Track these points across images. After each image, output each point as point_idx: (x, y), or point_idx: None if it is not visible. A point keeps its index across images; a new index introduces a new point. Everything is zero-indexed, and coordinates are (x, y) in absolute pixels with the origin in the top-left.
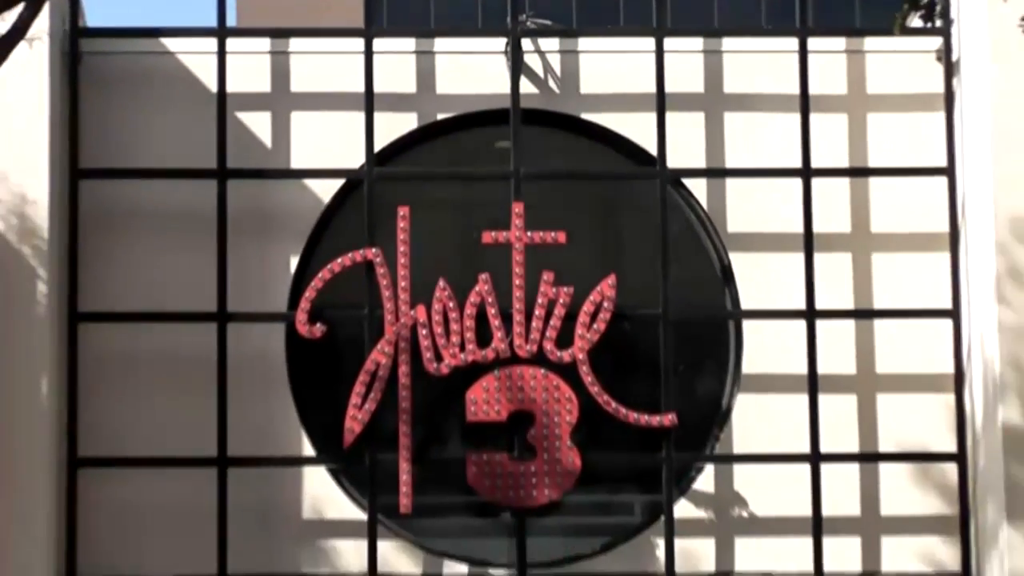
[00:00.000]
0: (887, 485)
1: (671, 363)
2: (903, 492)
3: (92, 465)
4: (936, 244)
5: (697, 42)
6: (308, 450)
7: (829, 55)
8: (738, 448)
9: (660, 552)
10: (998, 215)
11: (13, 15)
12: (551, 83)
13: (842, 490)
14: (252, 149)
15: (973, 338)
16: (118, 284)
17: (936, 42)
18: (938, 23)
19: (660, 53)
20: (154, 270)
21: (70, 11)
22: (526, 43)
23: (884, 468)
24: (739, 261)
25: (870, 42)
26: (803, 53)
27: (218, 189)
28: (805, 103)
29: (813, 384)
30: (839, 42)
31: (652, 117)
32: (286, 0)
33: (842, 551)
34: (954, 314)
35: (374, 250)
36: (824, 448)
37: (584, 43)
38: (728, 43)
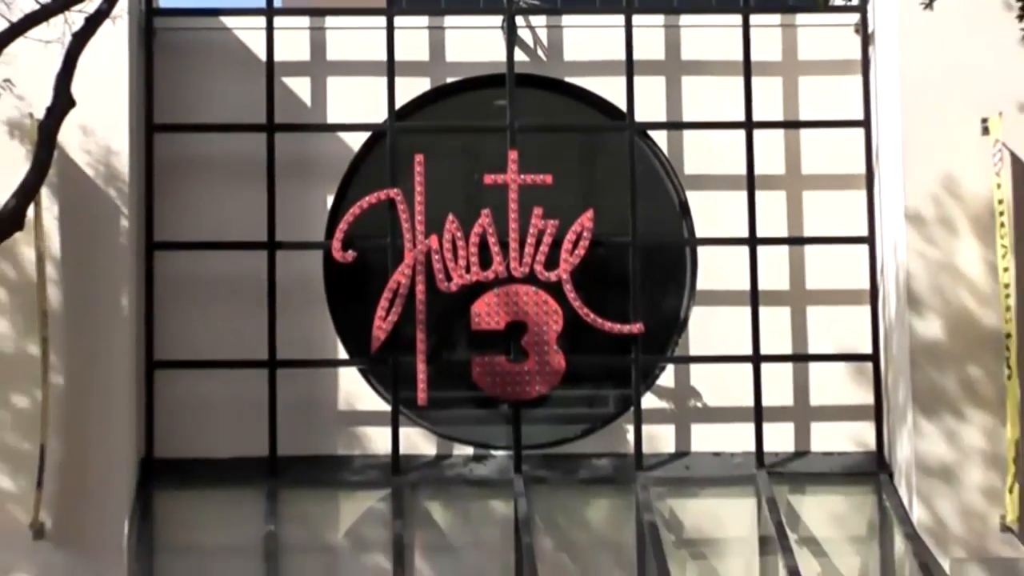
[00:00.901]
0: (815, 380)
1: (638, 282)
2: (829, 386)
3: (166, 367)
4: (854, 183)
5: (659, 18)
6: (342, 353)
7: (767, 28)
8: (693, 351)
9: (630, 436)
10: (905, 159)
11: (94, 1)
12: (540, 52)
13: (779, 385)
14: (294, 107)
15: (886, 260)
16: (186, 218)
17: (854, 17)
18: (855, 1)
19: (629, 27)
20: (215, 207)
21: None
22: (519, 20)
23: (813, 367)
24: (694, 198)
25: (800, 18)
26: (746, 27)
27: (267, 140)
28: (747, 68)
29: (755, 298)
30: (775, 18)
31: (622, 80)
32: None
33: (779, 435)
34: (870, 240)
35: (395, 190)
36: (764, 351)
37: (567, 19)
38: (684, 19)
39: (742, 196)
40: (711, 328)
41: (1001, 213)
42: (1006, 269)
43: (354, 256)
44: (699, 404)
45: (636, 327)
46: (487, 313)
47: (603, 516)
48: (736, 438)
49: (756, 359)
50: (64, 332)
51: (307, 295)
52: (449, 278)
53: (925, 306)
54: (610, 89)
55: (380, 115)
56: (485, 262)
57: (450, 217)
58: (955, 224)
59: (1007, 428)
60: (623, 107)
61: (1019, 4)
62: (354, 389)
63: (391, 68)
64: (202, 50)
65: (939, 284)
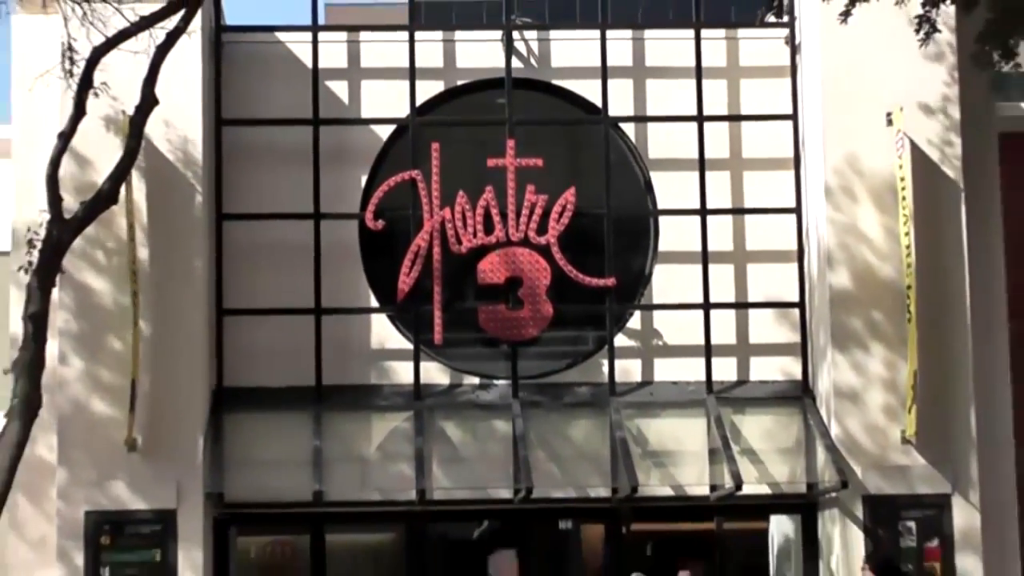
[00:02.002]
0: (753, 324)
1: (611, 244)
2: (764, 328)
3: (232, 314)
4: (784, 165)
5: (628, 32)
6: (373, 303)
7: (714, 40)
8: (656, 300)
9: (604, 369)
10: (825, 146)
11: (177, 17)
12: (532, 61)
13: (724, 327)
14: (334, 105)
15: (809, 227)
16: (248, 195)
17: (784, 31)
18: (785, 18)
19: (603, 40)
20: (271, 185)
21: (215, 14)
22: (515, 34)
23: (752, 312)
24: (656, 177)
25: (741, 31)
26: (697, 39)
27: (313, 132)
28: (699, 72)
29: (705, 258)
30: (721, 32)
31: (598, 82)
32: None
33: (724, 368)
34: (796, 211)
35: (416, 172)
36: (712, 299)
37: (553, 33)
38: (648, 33)
39: (694, 176)
40: (670, 281)
41: (903, 189)
42: (907, 234)
43: (383, 225)
44: (660, 343)
45: (609, 281)
46: (490, 270)
47: (583, 433)
48: (690, 370)
49: (706, 306)
50: (150, 287)
51: (345, 256)
52: (460, 242)
53: (839, 264)
54: (589, 90)
55: (403, 111)
56: (488, 229)
57: (460, 193)
58: (863, 198)
59: (908, 361)
60: (599, 104)
61: (916, 20)
62: (383, 331)
63: (412, 73)
64: (260, 59)
65: (850, 246)
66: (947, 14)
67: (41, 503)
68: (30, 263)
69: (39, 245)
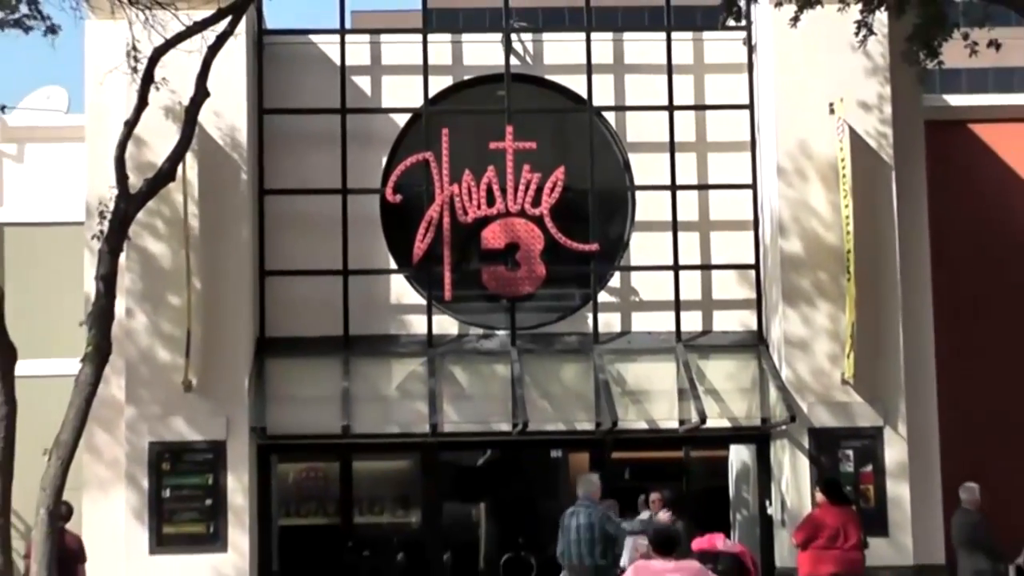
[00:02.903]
0: (716, 282)
1: (595, 215)
2: (725, 286)
3: (273, 275)
4: (742, 148)
5: (609, 34)
6: (393, 265)
7: (683, 41)
8: (633, 263)
9: (589, 321)
10: (777, 131)
11: (225, 23)
12: (527, 59)
13: (691, 285)
14: (359, 96)
15: (763, 200)
16: (286, 173)
17: (742, 34)
18: (743, 23)
19: (588, 41)
20: (305, 164)
21: (257, 19)
22: (514, 36)
23: (715, 273)
24: (633, 158)
25: (706, 34)
26: (668, 40)
27: (341, 119)
28: (669, 68)
29: (675, 226)
30: (689, 34)
31: (584, 77)
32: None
33: (690, 320)
34: (753, 187)
35: (429, 153)
36: (681, 262)
37: (546, 35)
38: (627, 35)
39: (665, 157)
40: (645, 247)
41: (843, 168)
42: (847, 206)
43: (400, 198)
44: (636, 299)
45: (593, 246)
46: (492, 237)
47: (571, 375)
48: (662, 321)
49: (675, 267)
50: (202, 251)
51: (368, 225)
52: (466, 213)
53: (789, 231)
54: (576, 83)
55: (417, 102)
56: (490, 202)
57: (466, 171)
58: (809, 176)
59: (847, 314)
60: (585, 95)
61: (855, 24)
62: (401, 289)
63: (425, 69)
64: (295, 58)
65: (798, 216)
66: (881, 20)
67: (113, 432)
68: (101, 231)
69: (108, 216)
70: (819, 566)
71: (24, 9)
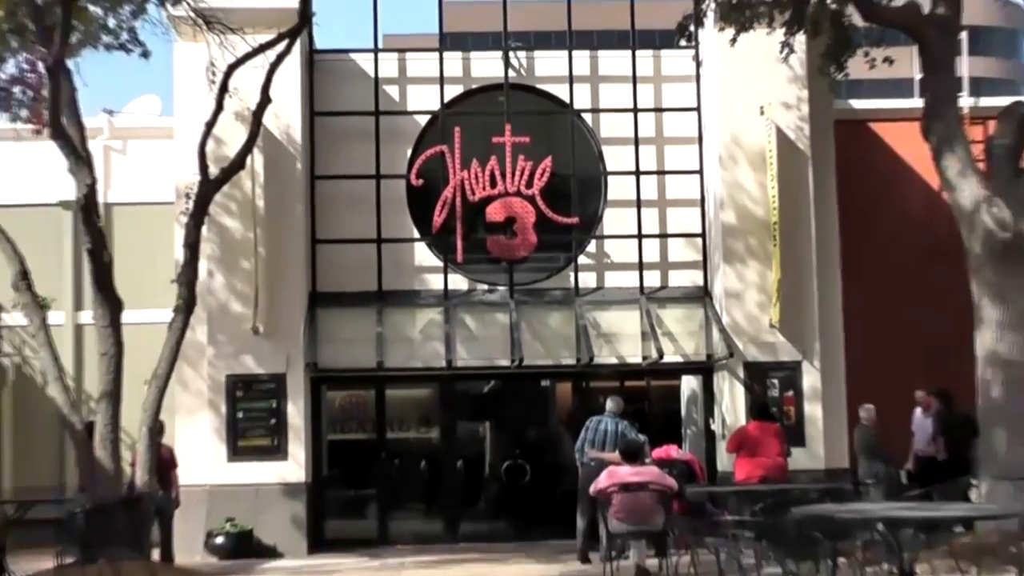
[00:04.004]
0: (671, 248)
1: (576, 194)
2: (679, 250)
3: (323, 243)
4: (692, 142)
5: (586, 53)
6: (416, 235)
7: (646, 58)
8: (607, 232)
9: (571, 279)
10: (719, 128)
11: (283, 44)
12: (522, 71)
13: (652, 249)
14: (389, 101)
15: (708, 183)
16: (332, 162)
17: (692, 52)
18: (692, 43)
19: (570, 58)
20: (347, 156)
21: (308, 41)
22: (512, 54)
23: (670, 240)
24: (606, 150)
25: (664, 52)
26: (633, 57)
27: (375, 120)
28: (634, 79)
29: (638, 203)
30: (650, 52)
31: (567, 86)
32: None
33: (651, 276)
34: (700, 172)
35: (444, 146)
36: (644, 232)
37: (536, 54)
38: (601, 53)
39: (631, 148)
40: (616, 220)
41: (771, 157)
42: (773, 187)
43: (422, 182)
44: (608, 261)
45: (574, 219)
46: (494, 212)
47: (557, 322)
48: (628, 279)
49: (639, 236)
50: (266, 224)
51: (397, 203)
52: (474, 193)
53: (728, 207)
54: (560, 90)
55: (435, 106)
56: (493, 184)
57: (474, 160)
58: (743, 163)
59: (773, 272)
60: (567, 100)
61: (780, 44)
62: (423, 254)
63: (441, 80)
64: (339, 71)
65: (735, 195)
66: (800, 41)
67: (197, 368)
68: (187, 209)
69: (193, 198)
70: (750, 470)
71: (125, 36)
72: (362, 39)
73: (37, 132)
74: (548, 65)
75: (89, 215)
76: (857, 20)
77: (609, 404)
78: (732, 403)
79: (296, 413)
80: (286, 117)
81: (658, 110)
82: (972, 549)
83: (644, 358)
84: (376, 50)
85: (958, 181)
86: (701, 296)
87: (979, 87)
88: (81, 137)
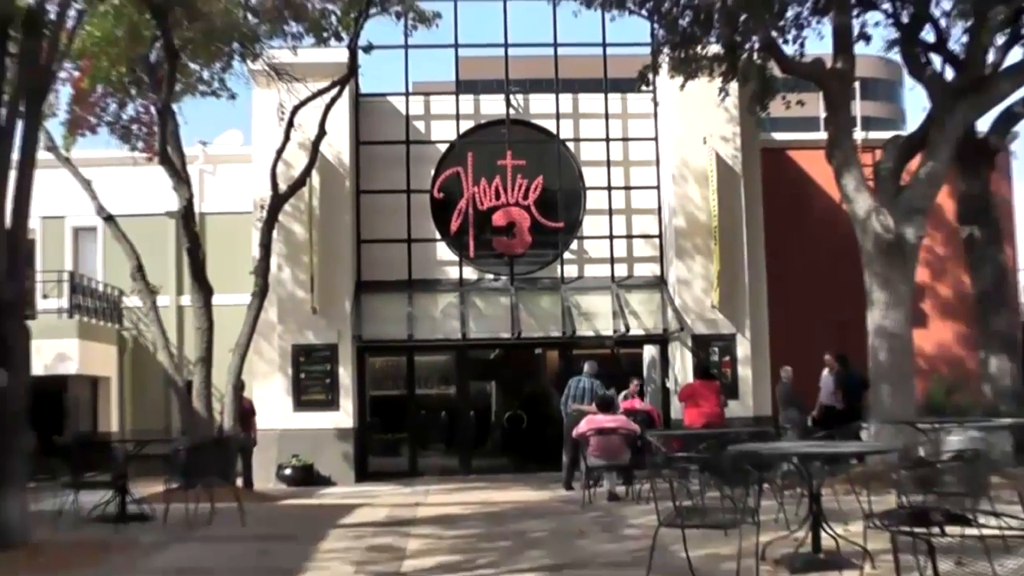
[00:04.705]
0: (635, 247)
1: (561, 205)
2: (642, 249)
3: (366, 242)
4: (651, 164)
5: (570, 96)
6: (437, 236)
7: (615, 98)
8: (586, 234)
9: (558, 270)
10: (673, 153)
11: (336, 90)
12: (520, 109)
13: (620, 248)
14: (416, 133)
15: (663, 196)
16: (373, 180)
17: (651, 93)
18: (652, 88)
19: (557, 99)
20: (384, 176)
21: (356, 87)
22: (512, 97)
23: (635, 241)
24: (585, 170)
25: (629, 95)
26: (606, 98)
27: (406, 148)
28: (607, 116)
29: (611, 211)
30: (619, 95)
31: (555, 120)
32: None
33: (620, 268)
34: (658, 187)
35: (460, 168)
36: (615, 233)
37: (531, 96)
38: (581, 96)
39: (604, 169)
40: (592, 224)
41: (712, 176)
42: (714, 200)
43: (443, 195)
44: (587, 256)
45: (560, 224)
46: (498, 218)
47: (547, 304)
48: (602, 270)
49: (611, 237)
50: (322, 228)
51: (423, 212)
52: (482, 204)
53: (679, 215)
54: (550, 124)
55: (452, 136)
56: (497, 197)
57: (483, 178)
58: (691, 181)
59: (714, 265)
60: (555, 132)
61: (719, 89)
62: (443, 251)
63: (457, 116)
64: (379, 109)
65: (685, 206)
66: (734, 87)
67: (270, 340)
68: (262, 217)
69: (266, 208)
70: (696, 417)
71: (216, 85)
72: (396, 84)
73: (149, 159)
74: (540, 104)
75: (188, 222)
76: (777, 72)
77: (585, 367)
78: (683, 366)
79: (345, 374)
80: (337, 146)
81: (625, 139)
82: (863, 476)
83: (614, 331)
84: (407, 93)
85: (854, 195)
86: (658, 283)
87: (868, 124)
88: (182, 162)
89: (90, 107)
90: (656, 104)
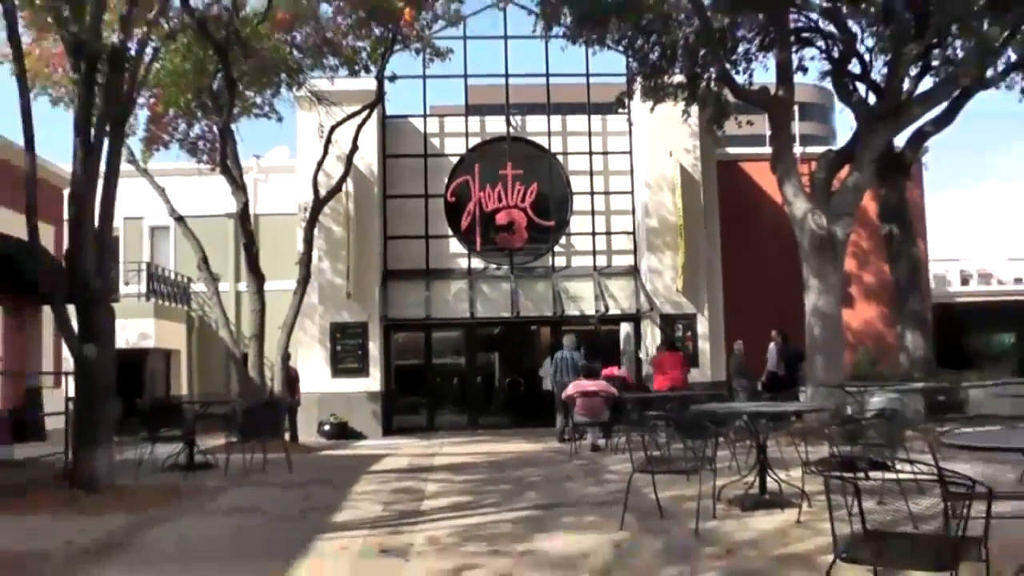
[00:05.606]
0: (614, 242)
1: (552, 207)
2: (620, 243)
3: (392, 239)
4: (627, 173)
5: (559, 117)
6: (450, 232)
7: (598, 119)
8: (573, 231)
9: (550, 260)
10: (646, 165)
11: (365, 113)
12: (518, 128)
13: (601, 242)
14: (433, 148)
15: (637, 199)
16: (397, 187)
17: (626, 114)
18: (627, 110)
19: (548, 119)
20: (406, 182)
21: (383, 109)
22: (512, 118)
23: (613, 236)
24: (572, 179)
25: (609, 116)
26: (589, 119)
27: (424, 160)
28: (590, 134)
29: (593, 212)
30: (599, 116)
31: (547, 137)
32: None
33: (601, 259)
34: (632, 193)
35: (468, 177)
36: (597, 230)
37: (528, 117)
38: (568, 117)
39: (587, 178)
40: (578, 223)
41: (677, 184)
42: (679, 203)
43: (455, 199)
44: (573, 249)
45: (551, 223)
46: (500, 218)
47: (540, 288)
48: (587, 260)
49: (593, 233)
50: (359, 228)
51: (438, 213)
52: (487, 206)
53: (651, 216)
54: (543, 141)
55: (462, 150)
56: (500, 200)
57: (487, 185)
58: (662, 187)
59: (680, 257)
60: (547, 147)
61: (682, 111)
62: (455, 245)
63: (466, 133)
64: (402, 128)
65: (657, 208)
66: (695, 110)
67: (312, 319)
68: (305, 218)
69: (308, 211)
70: (663, 383)
71: (267, 108)
72: (416, 108)
73: (212, 170)
74: (535, 124)
75: (244, 222)
76: (730, 98)
77: (566, 340)
78: (653, 340)
79: (374, 348)
80: (368, 158)
81: (605, 153)
82: (801, 431)
83: (596, 311)
84: (425, 115)
85: (793, 200)
86: (633, 272)
87: (805, 141)
88: (239, 173)
89: (163, 127)
90: (631, 124)
